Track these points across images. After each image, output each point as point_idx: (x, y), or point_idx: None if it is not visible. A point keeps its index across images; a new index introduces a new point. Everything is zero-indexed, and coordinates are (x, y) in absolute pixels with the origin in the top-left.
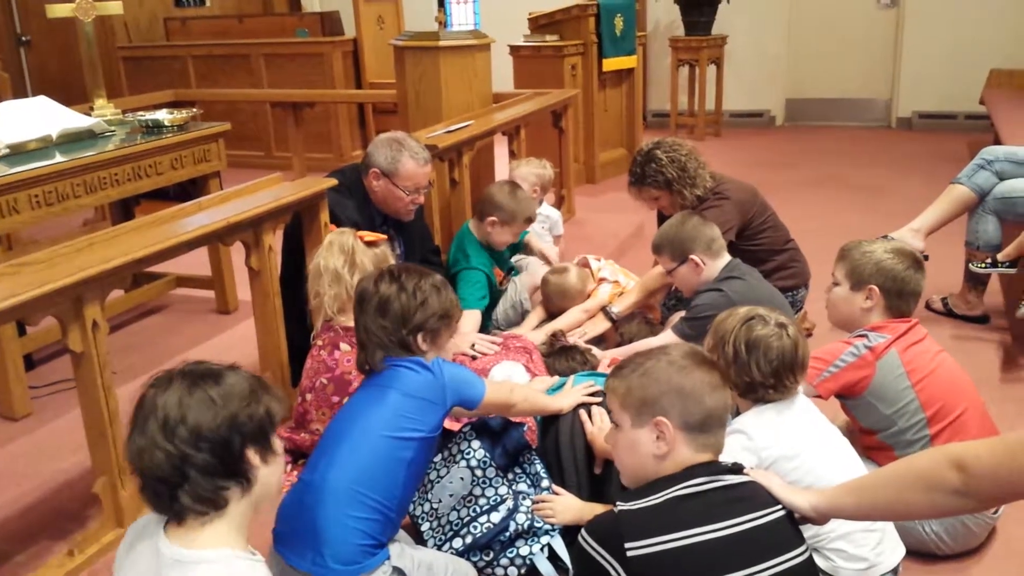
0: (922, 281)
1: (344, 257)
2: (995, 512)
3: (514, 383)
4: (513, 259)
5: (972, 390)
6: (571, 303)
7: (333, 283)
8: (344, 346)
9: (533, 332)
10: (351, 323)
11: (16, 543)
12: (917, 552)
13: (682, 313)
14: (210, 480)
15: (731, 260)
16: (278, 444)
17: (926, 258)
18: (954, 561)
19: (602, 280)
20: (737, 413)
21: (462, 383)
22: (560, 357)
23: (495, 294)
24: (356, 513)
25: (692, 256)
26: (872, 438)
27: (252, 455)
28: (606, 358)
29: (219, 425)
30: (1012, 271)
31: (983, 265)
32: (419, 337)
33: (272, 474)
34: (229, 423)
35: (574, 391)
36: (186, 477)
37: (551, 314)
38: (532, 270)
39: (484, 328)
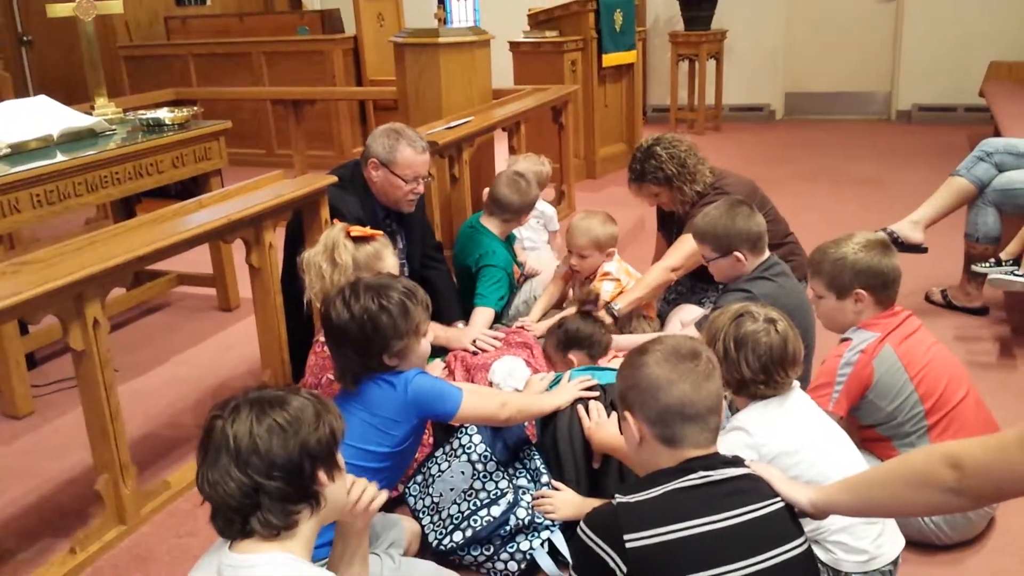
0: (897, 262)
1: (326, 254)
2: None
3: (507, 395)
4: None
5: (968, 380)
6: (585, 245)
7: (316, 279)
8: None
9: (537, 325)
10: None
11: (19, 541)
12: (917, 543)
13: (683, 308)
14: (282, 506)
15: (768, 258)
16: (342, 460)
17: (925, 250)
18: (953, 551)
19: (606, 275)
20: (735, 410)
21: (431, 399)
22: (585, 319)
23: (511, 291)
24: None
25: (736, 252)
26: (871, 431)
27: (322, 476)
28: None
29: (291, 453)
30: (1021, 281)
31: (986, 265)
32: (383, 358)
33: (338, 490)
34: (300, 450)
35: (570, 387)
36: (259, 505)
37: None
38: (545, 267)
39: (496, 322)
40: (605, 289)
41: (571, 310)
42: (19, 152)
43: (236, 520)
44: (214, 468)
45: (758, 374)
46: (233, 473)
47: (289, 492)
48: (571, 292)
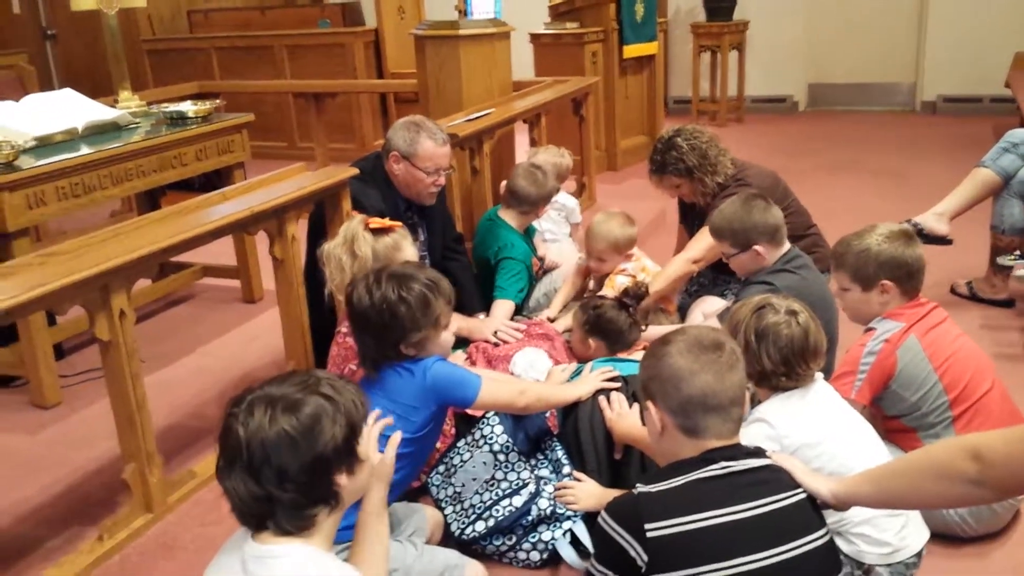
0: (921, 252)
1: (346, 246)
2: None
3: (525, 383)
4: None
5: (993, 372)
6: (604, 249)
7: (336, 271)
8: None
9: (559, 318)
10: None
11: (48, 528)
12: (941, 535)
13: (705, 300)
14: (296, 512)
15: (790, 249)
16: (363, 447)
17: (950, 242)
18: (977, 544)
19: (622, 271)
20: (757, 402)
21: (449, 385)
22: (622, 311)
23: (531, 283)
24: None
25: (756, 246)
26: (895, 422)
27: (339, 478)
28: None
29: (303, 464)
30: None
31: (1012, 258)
32: (401, 347)
33: (359, 480)
34: (313, 460)
35: (592, 377)
36: (274, 512)
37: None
38: (566, 259)
39: (517, 314)
40: (619, 282)
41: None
42: (44, 145)
43: (252, 521)
44: (228, 473)
45: (779, 366)
46: (247, 483)
47: (303, 501)
48: (591, 285)
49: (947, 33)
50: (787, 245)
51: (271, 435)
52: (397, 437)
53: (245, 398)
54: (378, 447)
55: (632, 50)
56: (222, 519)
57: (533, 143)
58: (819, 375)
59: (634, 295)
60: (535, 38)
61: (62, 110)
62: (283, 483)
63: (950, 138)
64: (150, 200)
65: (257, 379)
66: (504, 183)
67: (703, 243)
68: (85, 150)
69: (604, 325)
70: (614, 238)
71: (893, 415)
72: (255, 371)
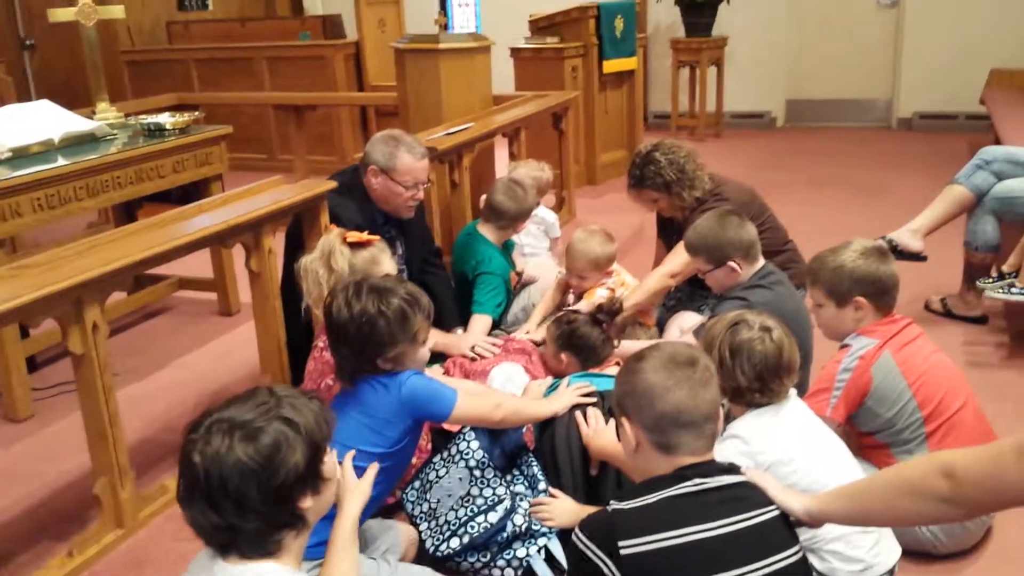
0: (895, 269)
1: (323, 259)
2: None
3: (501, 396)
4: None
5: (967, 388)
6: (584, 267)
7: (314, 285)
8: None
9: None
10: None
11: (18, 543)
12: (913, 552)
13: (682, 315)
14: (262, 539)
15: (765, 265)
16: (328, 466)
17: (924, 258)
18: (949, 561)
19: (602, 285)
20: (732, 418)
21: (425, 399)
22: (595, 327)
23: (508, 298)
24: None
25: (730, 262)
26: (869, 438)
27: (303, 501)
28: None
29: (264, 495)
30: (1017, 299)
31: (989, 281)
32: (378, 361)
33: (325, 498)
34: (274, 490)
35: (568, 393)
36: (236, 541)
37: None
38: (542, 274)
39: (494, 329)
40: (599, 294)
41: (586, 305)
42: (21, 156)
43: (217, 546)
44: (189, 503)
45: (753, 382)
46: (207, 513)
47: (266, 528)
48: (569, 300)
49: (923, 51)
50: (762, 261)
51: (229, 465)
52: (374, 468)
53: (203, 423)
54: (353, 474)
55: (612, 65)
56: (194, 536)
57: (513, 157)
58: (793, 392)
59: (608, 311)
60: (515, 52)
61: (39, 121)
62: (243, 514)
63: (925, 155)
64: (127, 212)
65: (232, 393)
66: (483, 197)
67: (680, 258)
68: (61, 161)
69: (576, 340)
70: (594, 256)
71: (867, 431)
72: (230, 385)
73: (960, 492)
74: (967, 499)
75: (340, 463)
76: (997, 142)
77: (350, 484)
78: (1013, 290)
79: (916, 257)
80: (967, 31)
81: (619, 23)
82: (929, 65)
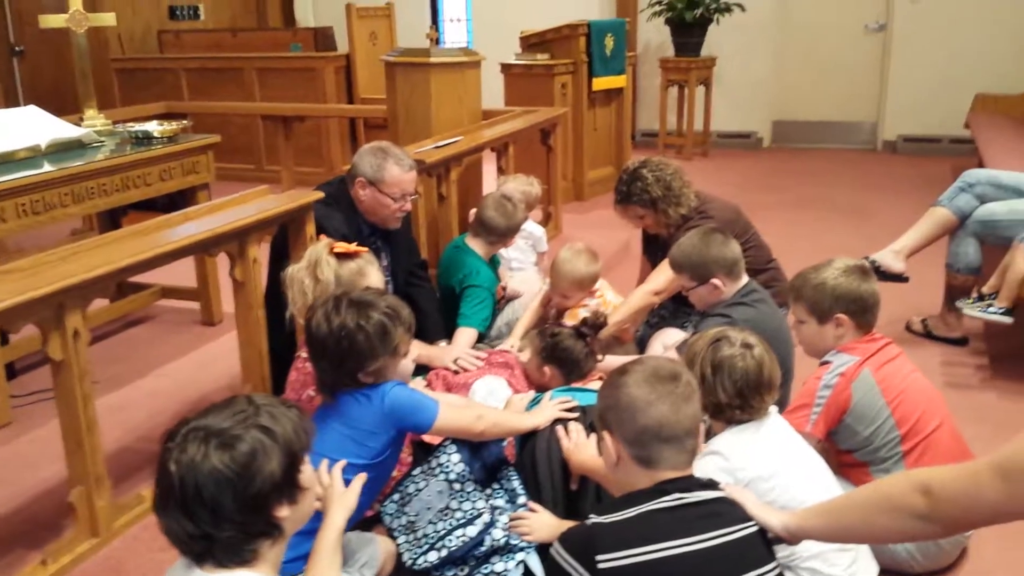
0: (876, 288)
1: (309, 269)
2: (967, 532)
3: (483, 408)
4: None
5: (944, 409)
6: (569, 287)
7: (299, 295)
8: None
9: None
10: None
11: None
12: (890, 570)
13: (665, 331)
14: (238, 547)
15: (748, 283)
16: (306, 476)
17: (906, 279)
18: None
19: (584, 306)
20: (711, 434)
21: (407, 410)
22: (579, 340)
23: (494, 312)
24: None
25: (713, 279)
26: (847, 456)
27: (279, 510)
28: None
29: (240, 503)
30: (1007, 320)
31: (970, 301)
32: (359, 375)
33: (302, 507)
34: (250, 498)
35: (550, 407)
36: (212, 550)
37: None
38: (528, 288)
39: (478, 343)
40: (581, 315)
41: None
42: (6, 161)
43: (192, 556)
44: (164, 512)
45: (734, 398)
46: (183, 522)
47: (242, 537)
48: (552, 315)
49: (909, 75)
50: (745, 279)
51: (204, 473)
52: (361, 478)
53: (180, 430)
54: (341, 484)
55: (601, 83)
56: (170, 545)
57: (501, 172)
58: (773, 408)
59: (592, 325)
60: (506, 68)
61: (26, 127)
62: (219, 522)
63: (910, 177)
64: (112, 219)
65: (212, 402)
66: (473, 211)
67: (665, 275)
68: (47, 167)
69: (560, 353)
70: (579, 276)
71: (845, 449)
72: (211, 394)
73: (937, 509)
74: (944, 516)
75: (321, 472)
76: (981, 166)
77: (337, 494)
78: (991, 309)
79: (898, 278)
80: (953, 56)
81: (609, 41)
82: (915, 89)
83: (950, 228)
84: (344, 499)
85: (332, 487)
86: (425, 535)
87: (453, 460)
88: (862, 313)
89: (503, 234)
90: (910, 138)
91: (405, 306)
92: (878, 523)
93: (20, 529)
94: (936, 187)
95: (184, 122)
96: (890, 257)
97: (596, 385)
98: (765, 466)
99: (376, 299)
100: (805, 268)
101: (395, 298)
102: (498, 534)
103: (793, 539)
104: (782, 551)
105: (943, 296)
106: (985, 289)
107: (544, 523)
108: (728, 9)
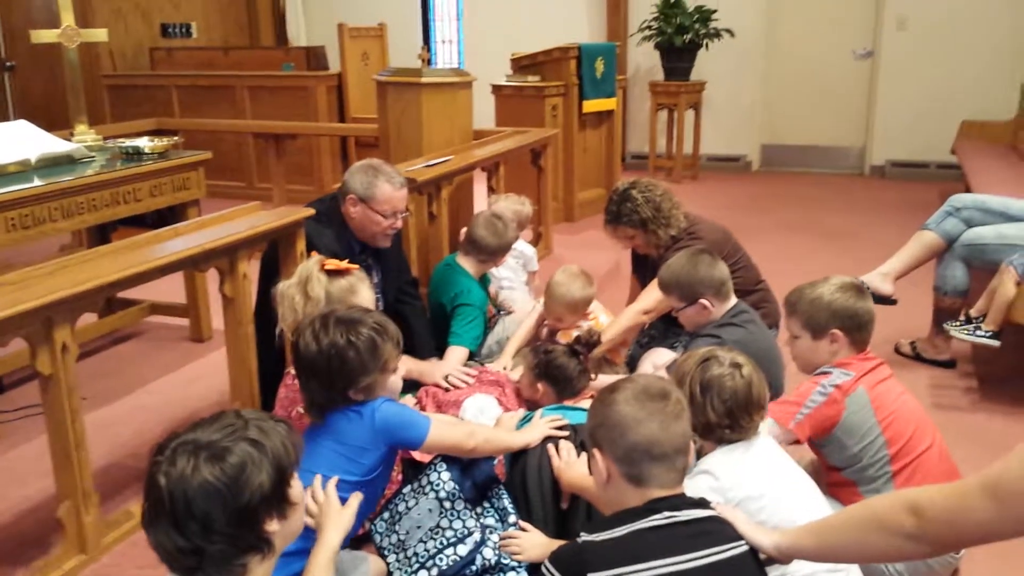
0: (872, 306)
1: (300, 286)
2: (958, 553)
3: (474, 425)
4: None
5: (933, 430)
6: (563, 310)
7: (289, 311)
8: None
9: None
10: None
11: None
12: None
13: (656, 351)
14: (227, 562)
15: (737, 304)
16: (296, 491)
17: (895, 302)
18: None
19: (577, 327)
20: (702, 453)
21: (399, 426)
22: (573, 358)
23: (486, 331)
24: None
25: (702, 300)
26: (837, 475)
27: (269, 524)
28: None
29: (229, 516)
30: (995, 344)
31: (958, 324)
32: (349, 392)
33: (292, 523)
34: (239, 510)
35: (540, 425)
36: (201, 565)
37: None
38: (518, 307)
39: (468, 361)
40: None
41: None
42: None
43: (181, 572)
44: (153, 526)
45: (723, 418)
46: (173, 536)
47: (231, 551)
48: (543, 334)
49: (896, 101)
50: (734, 299)
51: (194, 486)
52: (358, 497)
53: (169, 444)
54: (338, 501)
55: (591, 105)
56: (158, 562)
57: (491, 191)
58: (763, 428)
59: (586, 343)
60: (497, 89)
61: (16, 141)
62: (209, 535)
63: (897, 202)
64: (101, 235)
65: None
66: (464, 230)
67: (654, 295)
68: (37, 182)
69: (554, 371)
70: (573, 300)
71: (834, 465)
72: (199, 411)
73: (926, 529)
74: (933, 536)
75: (316, 489)
76: (967, 191)
77: (333, 513)
78: (978, 332)
79: (886, 300)
80: (940, 83)
81: (599, 65)
82: (902, 115)
83: (937, 251)
84: (340, 518)
85: (328, 505)
86: (416, 554)
87: (443, 478)
88: (857, 330)
89: (494, 253)
90: (898, 163)
91: (391, 321)
92: (868, 542)
93: (6, 546)
94: (923, 211)
95: (175, 138)
96: (878, 280)
97: (587, 404)
98: (755, 485)
99: (363, 316)
100: (801, 284)
101: (381, 314)
102: (489, 553)
103: (784, 558)
104: (774, 571)
105: (931, 319)
106: (973, 312)
107: (535, 542)
108: (718, 35)
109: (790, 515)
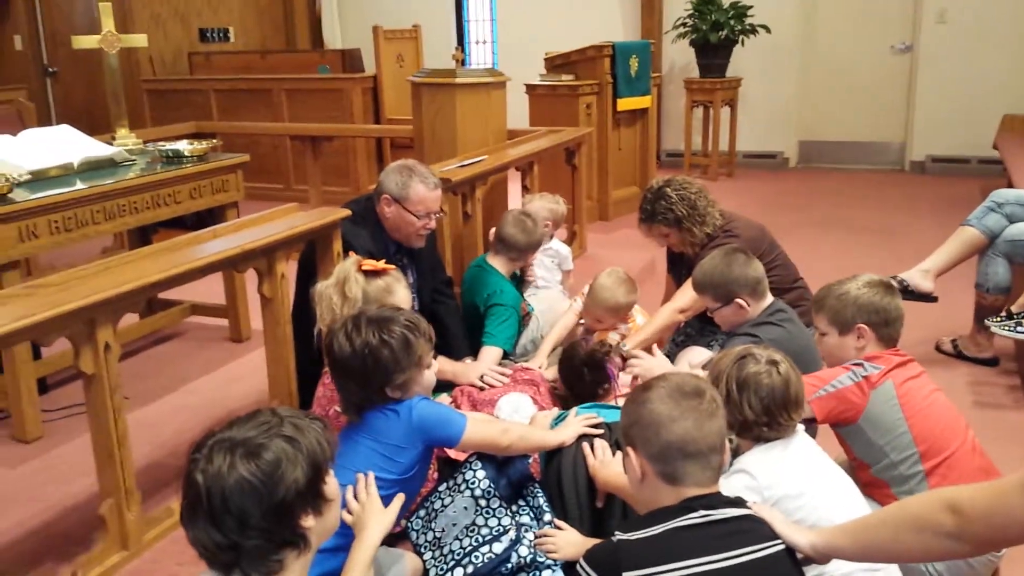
0: (900, 303)
1: (337, 286)
2: (998, 552)
3: (509, 423)
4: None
5: (965, 429)
6: (604, 313)
7: (327, 311)
8: None
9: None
10: None
11: (21, 564)
12: None
13: (691, 349)
14: (264, 557)
15: (774, 302)
16: (331, 487)
17: (935, 299)
18: None
19: (615, 329)
20: (738, 452)
21: (435, 424)
22: (595, 368)
23: (519, 330)
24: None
25: (738, 300)
26: (867, 473)
27: (305, 520)
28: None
29: (265, 511)
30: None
31: (999, 320)
32: (386, 391)
33: (327, 520)
34: (275, 506)
35: (575, 423)
36: (239, 561)
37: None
38: (552, 306)
39: (503, 360)
40: (611, 336)
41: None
42: (39, 179)
43: (219, 567)
44: (191, 522)
45: (760, 416)
46: (210, 532)
47: (268, 546)
48: (579, 333)
49: (936, 95)
50: (770, 298)
51: (230, 483)
52: (400, 499)
53: (206, 443)
54: (379, 500)
55: (626, 103)
56: (198, 559)
57: (526, 190)
58: (800, 426)
59: (602, 351)
60: (531, 89)
61: (58, 145)
62: (245, 530)
63: (938, 198)
64: (142, 237)
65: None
66: (493, 230)
67: (689, 293)
68: (79, 185)
69: (566, 371)
70: (616, 304)
71: (862, 460)
72: (238, 410)
73: (966, 528)
74: (973, 535)
75: (359, 487)
76: (1010, 186)
77: (376, 512)
78: (1020, 328)
79: (927, 298)
80: (980, 77)
81: (634, 63)
82: (942, 109)
83: (979, 248)
84: (383, 518)
85: (370, 504)
86: (451, 551)
87: (479, 476)
88: (884, 325)
89: (524, 250)
90: (938, 158)
91: (422, 318)
92: (907, 542)
93: (51, 543)
94: (964, 207)
95: (213, 141)
96: (918, 276)
97: (622, 402)
98: (793, 484)
99: (394, 314)
100: (830, 282)
101: (411, 312)
102: (524, 551)
103: (821, 558)
104: (811, 571)
105: (973, 316)
106: (1015, 308)
107: (570, 540)
108: (753, 31)
109: (828, 514)
